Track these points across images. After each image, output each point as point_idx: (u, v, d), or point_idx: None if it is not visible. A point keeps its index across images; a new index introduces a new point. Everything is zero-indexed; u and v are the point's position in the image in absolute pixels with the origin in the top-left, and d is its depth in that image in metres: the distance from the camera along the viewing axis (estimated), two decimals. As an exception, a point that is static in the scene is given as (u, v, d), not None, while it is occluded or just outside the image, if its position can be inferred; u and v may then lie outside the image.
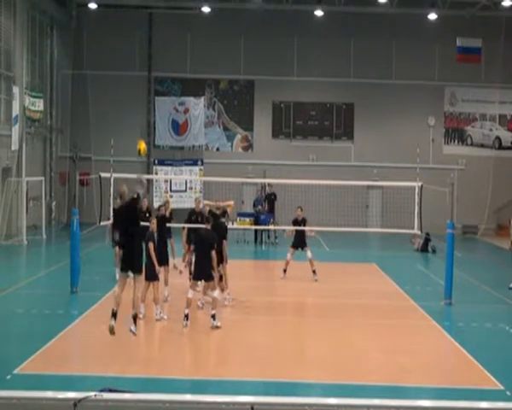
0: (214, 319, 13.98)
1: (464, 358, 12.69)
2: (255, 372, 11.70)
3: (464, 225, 34.60)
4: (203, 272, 14.11)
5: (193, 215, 17.97)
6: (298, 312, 16.23)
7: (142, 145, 18.71)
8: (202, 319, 15.63)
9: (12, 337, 13.86)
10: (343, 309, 16.61)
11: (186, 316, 14.07)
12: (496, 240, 31.74)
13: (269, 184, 30.19)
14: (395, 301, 17.76)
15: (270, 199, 30.58)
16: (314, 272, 20.00)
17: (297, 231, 20.31)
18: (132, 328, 11.66)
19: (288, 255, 20.29)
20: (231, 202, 17.73)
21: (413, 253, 27.39)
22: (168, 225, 16.85)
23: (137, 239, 11.96)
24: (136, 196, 11.92)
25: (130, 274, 11.95)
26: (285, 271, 20.23)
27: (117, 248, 17.86)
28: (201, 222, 17.21)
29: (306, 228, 20.37)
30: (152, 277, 14.55)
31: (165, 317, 14.86)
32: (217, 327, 13.95)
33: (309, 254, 20.11)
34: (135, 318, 11.69)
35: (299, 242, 20.25)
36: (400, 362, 12.40)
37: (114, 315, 11.37)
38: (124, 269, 11.79)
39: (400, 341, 13.98)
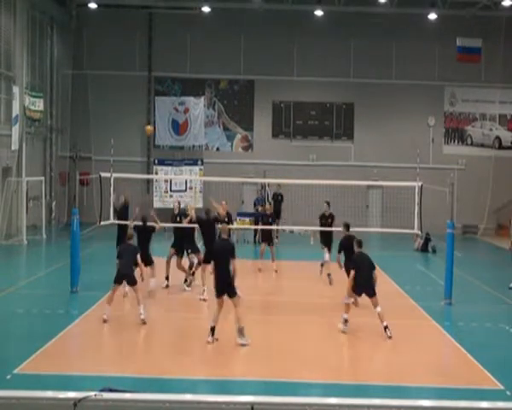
0: (386, 330, 13.89)
1: (464, 358, 12.69)
2: (255, 372, 11.71)
3: (464, 225, 34.60)
4: (367, 286, 14.35)
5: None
6: (298, 312, 16.21)
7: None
8: (203, 319, 15.63)
9: (12, 337, 13.86)
10: (343, 309, 16.58)
11: (345, 321, 14.24)
12: (496, 240, 31.73)
13: (278, 185, 30.18)
14: (395, 301, 17.74)
15: (277, 200, 30.47)
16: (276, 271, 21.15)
17: (264, 225, 22.04)
18: (241, 340, 12.90)
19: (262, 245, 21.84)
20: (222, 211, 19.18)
21: (413, 253, 27.40)
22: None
23: (228, 265, 13.17)
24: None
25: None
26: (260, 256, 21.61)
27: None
28: (229, 222, 19.81)
29: (296, 227, 21.18)
30: (131, 282, 14.81)
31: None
32: (389, 337, 13.78)
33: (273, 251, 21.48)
34: (241, 330, 12.93)
35: (267, 237, 21.65)
36: (400, 362, 12.40)
37: (212, 330, 13.03)
38: (220, 294, 13.15)
39: (400, 341, 13.97)
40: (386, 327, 13.93)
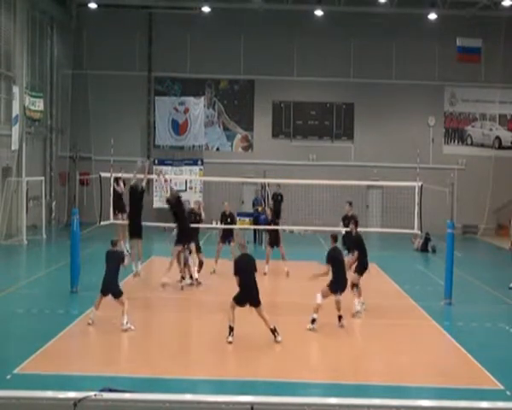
0: (341, 319, 14.50)
1: (464, 358, 12.69)
2: (255, 372, 11.71)
3: (464, 225, 34.60)
4: (343, 283, 14.74)
5: (223, 216, 21.35)
6: (298, 311, 16.20)
7: None
8: (203, 319, 15.64)
9: (12, 337, 13.85)
10: (343, 309, 16.59)
11: (313, 320, 14.40)
12: (496, 240, 31.73)
13: (277, 185, 30.19)
14: (395, 301, 17.76)
15: (277, 200, 30.43)
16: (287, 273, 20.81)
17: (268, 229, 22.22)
18: (277, 338, 13.21)
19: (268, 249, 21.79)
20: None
21: (413, 253, 27.39)
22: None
23: (254, 278, 13.53)
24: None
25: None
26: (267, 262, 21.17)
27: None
28: (232, 222, 21.25)
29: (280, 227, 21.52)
30: (116, 294, 14.44)
31: (133, 327, 14.09)
32: (342, 326, 14.40)
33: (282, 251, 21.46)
34: (274, 330, 13.25)
35: (274, 241, 21.51)
36: (400, 362, 12.39)
37: (232, 329, 13.13)
38: (241, 304, 13.34)
39: (400, 341, 13.98)
40: (340, 317, 14.47)
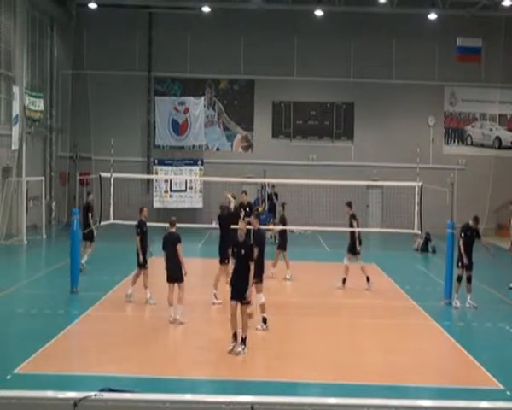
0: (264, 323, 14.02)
1: (464, 358, 12.69)
2: (255, 372, 11.71)
3: (464, 226, 34.54)
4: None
5: (242, 208, 19.63)
6: (297, 311, 16.21)
7: None
8: (205, 320, 15.65)
9: (12, 337, 13.85)
10: (343, 309, 16.61)
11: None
12: (496, 240, 31.70)
13: (272, 185, 30.15)
14: (395, 301, 17.75)
15: (272, 199, 30.68)
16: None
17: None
18: (241, 349, 12.32)
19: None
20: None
21: (413, 253, 27.38)
22: None
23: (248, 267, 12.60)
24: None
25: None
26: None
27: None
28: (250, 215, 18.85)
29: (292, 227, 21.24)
30: (178, 278, 14.60)
31: (186, 320, 14.44)
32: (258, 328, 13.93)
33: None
34: (244, 340, 12.40)
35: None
36: (400, 362, 12.39)
37: (235, 336, 12.45)
38: (234, 298, 12.52)
39: (400, 341, 13.97)
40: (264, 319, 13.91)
